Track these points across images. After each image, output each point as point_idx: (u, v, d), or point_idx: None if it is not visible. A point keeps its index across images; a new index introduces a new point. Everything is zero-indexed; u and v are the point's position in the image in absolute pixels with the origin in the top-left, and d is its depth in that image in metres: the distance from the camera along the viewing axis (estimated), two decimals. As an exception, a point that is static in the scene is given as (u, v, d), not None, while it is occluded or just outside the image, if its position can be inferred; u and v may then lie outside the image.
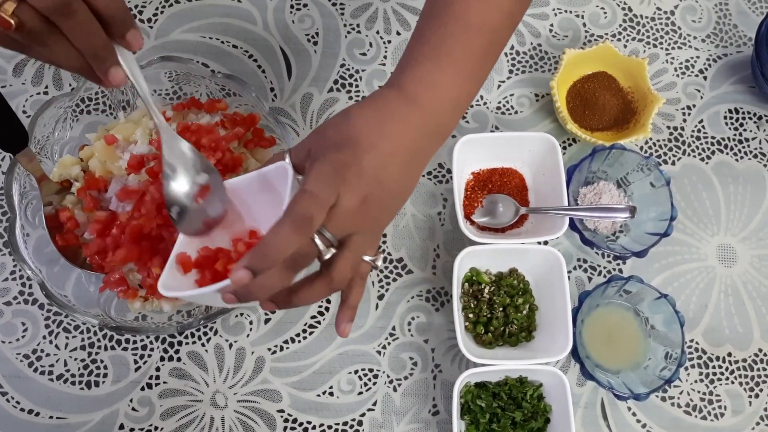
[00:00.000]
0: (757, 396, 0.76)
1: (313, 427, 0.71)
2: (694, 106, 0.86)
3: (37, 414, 0.69)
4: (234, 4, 0.84)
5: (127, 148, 0.67)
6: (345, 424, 0.71)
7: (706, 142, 0.84)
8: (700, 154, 0.84)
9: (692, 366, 0.76)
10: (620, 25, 0.88)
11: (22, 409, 0.68)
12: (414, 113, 0.51)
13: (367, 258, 0.51)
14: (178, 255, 0.54)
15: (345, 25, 0.85)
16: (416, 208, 0.78)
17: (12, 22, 0.40)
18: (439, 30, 0.53)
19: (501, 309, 0.73)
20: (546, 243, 0.75)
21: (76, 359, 0.70)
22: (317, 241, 0.47)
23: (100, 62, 0.46)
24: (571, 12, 0.88)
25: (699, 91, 0.86)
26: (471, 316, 0.73)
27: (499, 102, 0.83)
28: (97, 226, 0.64)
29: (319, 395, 0.72)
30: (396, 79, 0.53)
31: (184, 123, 0.67)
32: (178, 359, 0.71)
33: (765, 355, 0.77)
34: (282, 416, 0.71)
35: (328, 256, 0.48)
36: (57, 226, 0.66)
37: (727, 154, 0.84)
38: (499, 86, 0.84)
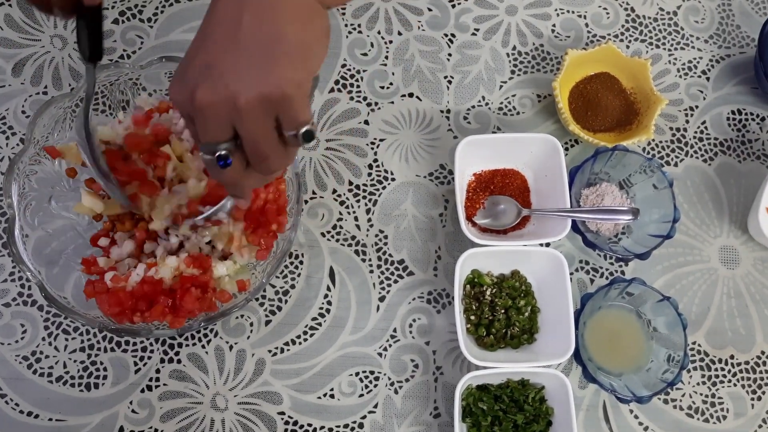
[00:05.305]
0: (759, 399, 0.76)
1: (314, 430, 0.70)
2: (696, 107, 0.85)
3: (37, 416, 0.68)
4: (235, 4, 0.84)
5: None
6: (346, 426, 0.71)
7: (709, 144, 0.84)
8: (702, 155, 0.84)
9: (694, 368, 0.76)
10: (623, 26, 0.88)
11: (21, 411, 0.68)
12: None
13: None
14: None
15: (346, 25, 0.84)
16: (417, 209, 0.78)
17: None
18: None
19: (503, 311, 0.72)
20: (548, 245, 0.75)
21: (75, 361, 0.70)
22: None
23: None
24: (573, 12, 0.88)
25: (702, 92, 0.86)
26: (473, 318, 0.72)
27: (501, 103, 0.83)
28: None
29: (320, 397, 0.71)
30: None
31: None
32: (178, 361, 0.71)
33: None
34: (282, 419, 0.70)
35: None
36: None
37: (730, 155, 0.84)
38: (501, 87, 0.84)
